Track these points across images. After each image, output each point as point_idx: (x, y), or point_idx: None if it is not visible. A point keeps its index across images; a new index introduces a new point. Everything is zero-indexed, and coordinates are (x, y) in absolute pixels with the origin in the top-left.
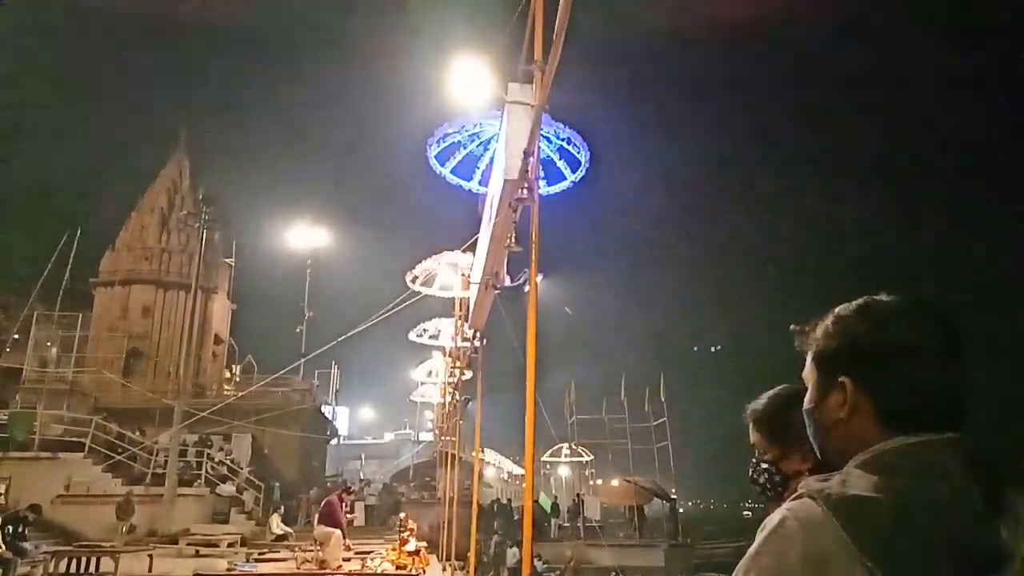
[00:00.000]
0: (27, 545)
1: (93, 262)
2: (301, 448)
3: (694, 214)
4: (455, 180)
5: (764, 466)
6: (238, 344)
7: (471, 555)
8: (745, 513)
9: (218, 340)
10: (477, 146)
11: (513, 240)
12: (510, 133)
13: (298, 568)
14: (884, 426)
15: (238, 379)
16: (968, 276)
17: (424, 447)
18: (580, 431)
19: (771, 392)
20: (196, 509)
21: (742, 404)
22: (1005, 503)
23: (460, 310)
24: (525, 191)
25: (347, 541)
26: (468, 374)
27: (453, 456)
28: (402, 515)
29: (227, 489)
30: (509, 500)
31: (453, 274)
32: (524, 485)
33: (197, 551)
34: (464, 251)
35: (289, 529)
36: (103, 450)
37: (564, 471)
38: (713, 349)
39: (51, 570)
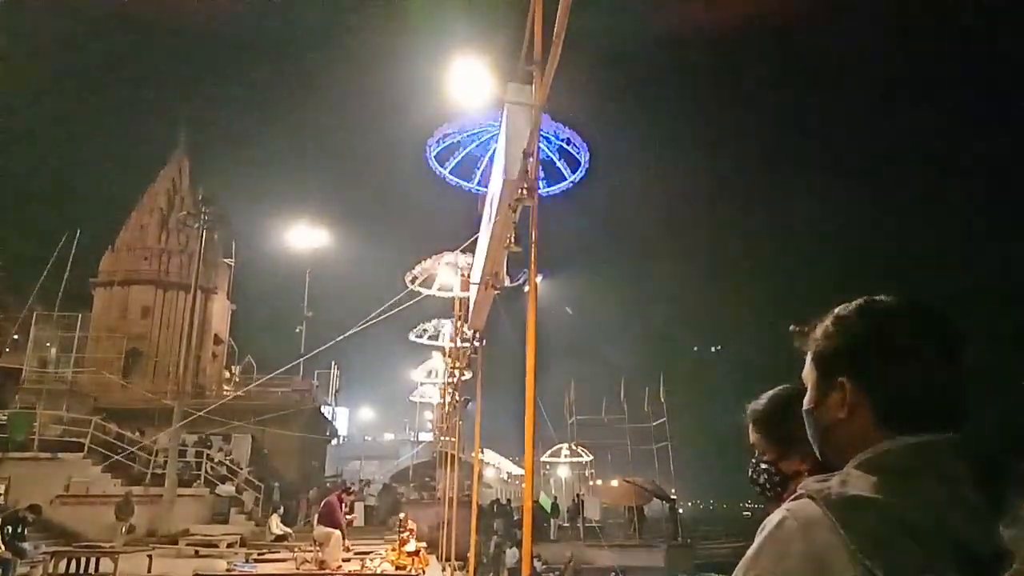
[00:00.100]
0: (26, 545)
1: (93, 262)
2: (301, 448)
3: (694, 214)
4: (455, 180)
5: (764, 466)
6: (238, 344)
7: (471, 555)
8: (745, 513)
9: (218, 340)
10: (476, 146)
11: (513, 240)
12: (509, 133)
13: (298, 568)
14: (883, 426)
15: (238, 379)
16: (968, 276)
17: (424, 447)
18: (580, 431)
19: (771, 392)
20: (195, 509)
21: (742, 404)
22: (1005, 503)
23: (460, 310)
24: (525, 191)
25: (346, 542)
26: (467, 374)
27: (453, 456)
28: (402, 515)
29: (226, 489)
30: (509, 500)
31: (452, 274)
32: (524, 485)
33: (196, 551)
34: (463, 251)
35: (289, 529)
36: (102, 450)
37: (564, 471)
38: (713, 349)
39: (50, 570)
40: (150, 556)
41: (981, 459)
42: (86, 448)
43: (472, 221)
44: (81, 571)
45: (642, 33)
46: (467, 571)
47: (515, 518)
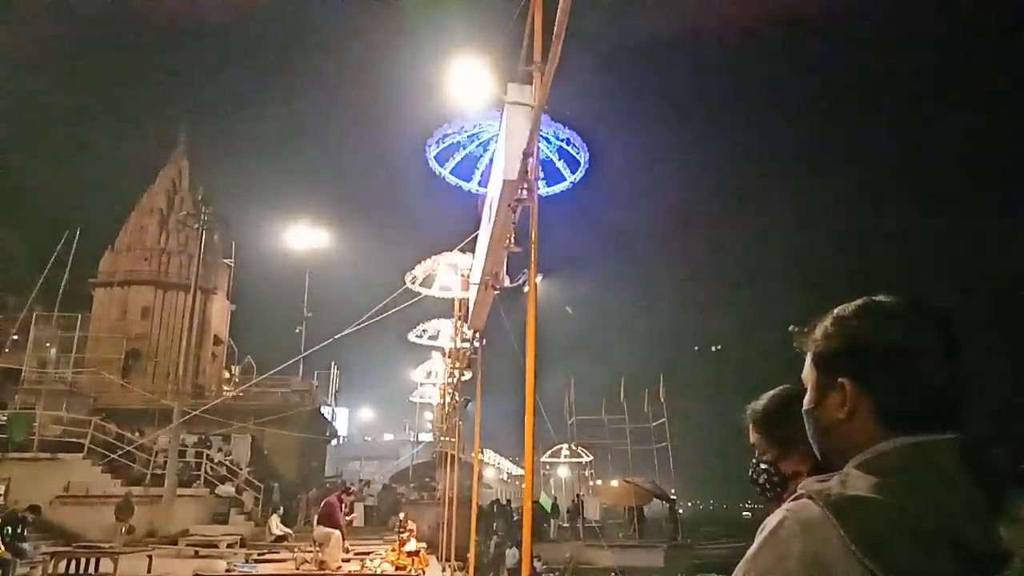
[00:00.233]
0: (26, 546)
1: (92, 263)
2: (300, 449)
3: (694, 214)
4: (454, 181)
5: (764, 466)
6: (237, 345)
7: (470, 556)
8: (745, 513)
9: (217, 341)
10: (476, 147)
11: (512, 240)
12: (509, 134)
13: (297, 569)
14: (883, 427)
15: (237, 380)
16: (968, 276)
17: (423, 448)
18: (580, 432)
19: (771, 392)
20: (195, 510)
21: (742, 404)
22: (1005, 503)
23: (459, 311)
24: (524, 192)
25: (346, 543)
26: (467, 375)
27: (452, 457)
28: (401, 516)
29: (226, 490)
30: (508, 501)
31: (452, 274)
32: (523, 485)
33: (196, 552)
34: (460, 249)
35: (288, 530)
36: (102, 451)
37: (564, 472)
38: (713, 349)
39: (50, 571)
40: (150, 556)
41: (981, 459)
42: (86, 448)
43: (472, 221)
44: (81, 571)
45: (642, 33)
46: (467, 571)
47: (515, 518)
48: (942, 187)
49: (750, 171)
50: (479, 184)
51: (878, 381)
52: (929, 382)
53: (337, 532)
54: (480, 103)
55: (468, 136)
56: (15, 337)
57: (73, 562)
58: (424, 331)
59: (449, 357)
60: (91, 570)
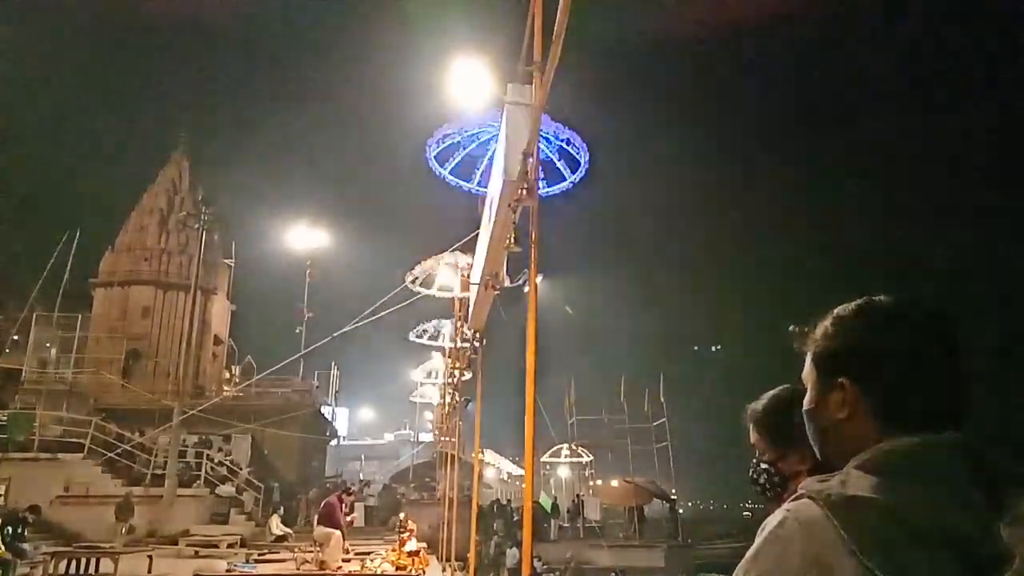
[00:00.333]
0: (26, 546)
1: (93, 263)
2: (301, 449)
3: (694, 214)
4: (454, 181)
5: (764, 466)
6: (238, 345)
7: (471, 556)
8: (745, 513)
9: (217, 341)
10: (476, 147)
11: (512, 241)
12: (509, 134)
13: (298, 569)
14: (883, 427)
15: (238, 380)
16: (968, 276)
17: (424, 448)
18: (580, 431)
19: (771, 393)
20: (195, 510)
21: (742, 404)
22: (1005, 503)
23: (460, 311)
24: (524, 192)
25: (346, 543)
26: (467, 375)
27: (453, 457)
28: (402, 516)
29: (227, 490)
30: (509, 501)
31: (453, 274)
32: (524, 485)
33: (196, 552)
34: (460, 250)
35: (289, 530)
36: (102, 451)
37: (564, 472)
38: (713, 349)
39: (51, 571)
40: (150, 557)
41: (981, 459)
42: (86, 449)
43: (472, 221)
44: (81, 572)
45: (643, 33)
46: (467, 571)
47: (515, 518)
48: (943, 187)
49: (751, 171)
50: (479, 184)
51: (878, 381)
52: (929, 382)
53: (337, 532)
54: (480, 103)
55: (468, 136)
56: (15, 337)
57: (73, 562)
58: (424, 331)
59: (449, 357)
60: (91, 570)
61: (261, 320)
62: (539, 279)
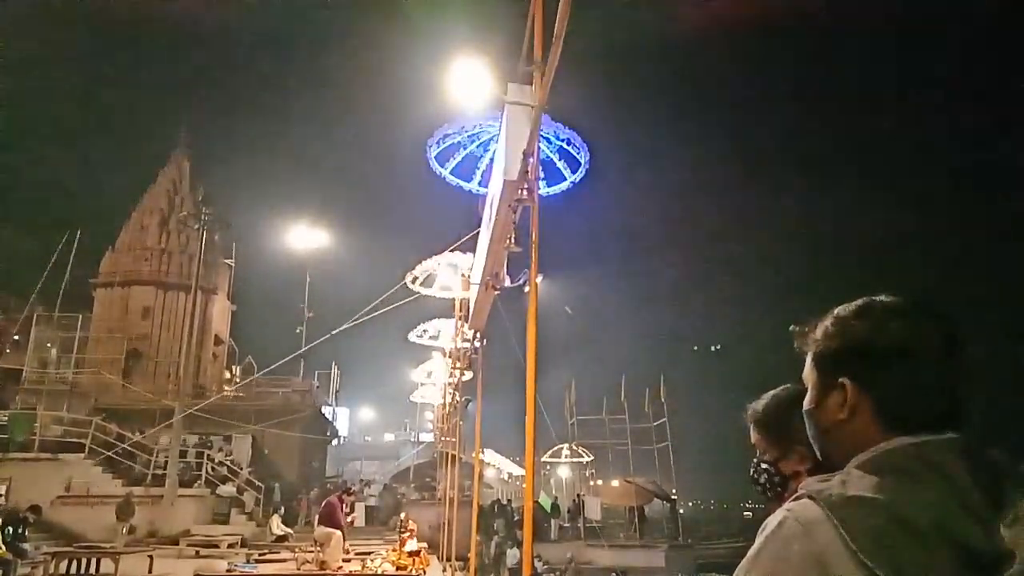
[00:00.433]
0: (27, 546)
1: (93, 263)
2: (301, 449)
3: (694, 214)
4: (455, 181)
5: (764, 466)
6: (238, 345)
7: (471, 556)
8: (745, 513)
9: (218, 341)
10: (477, 147)
11: (513, 241)
12: (509, 134)
13: (298, 569)
14: (884, 427)
15: (238, 380)
16: (968, 276)
17: (424, 448)
18: (580, 432)
19: (771, 393)
20: (196, 510)
21: (742, 404)
22: (1005, 503)
23: (460, 311)
24: (525, 192)
25: (347, 543)
26: (468, 375)
27: (453, 457)
28: (402, 516)
29: (227, 490)
30: (509, 501)
31: (453, 274)
32: (524, 485)
33: (197, 552)
34: (460, 250)
35: (289, 530)
36: (103, 451)
37: (564, 472)
38: (713, 349)
39: (51, 571)
40: (151, 557)
41: (981, 459)
42: (87, 449)
43: (472, 221)
44: (82, 572)
45: (643, 33)
46: (468, 571)
47: (515, 518)
48: (944, 187)
49: (751, 171)
50: (479, 184)
51: (879, 381)
52: (930, 382)
53: (338, 532)
54: (480, 103)
55: (468, 136)
56: (16, 337)
57: (74, 562)
58: (424, 331)
59: (450, 357)
60: (92, 570)
61: (261, 320)
62: (539, 279)
